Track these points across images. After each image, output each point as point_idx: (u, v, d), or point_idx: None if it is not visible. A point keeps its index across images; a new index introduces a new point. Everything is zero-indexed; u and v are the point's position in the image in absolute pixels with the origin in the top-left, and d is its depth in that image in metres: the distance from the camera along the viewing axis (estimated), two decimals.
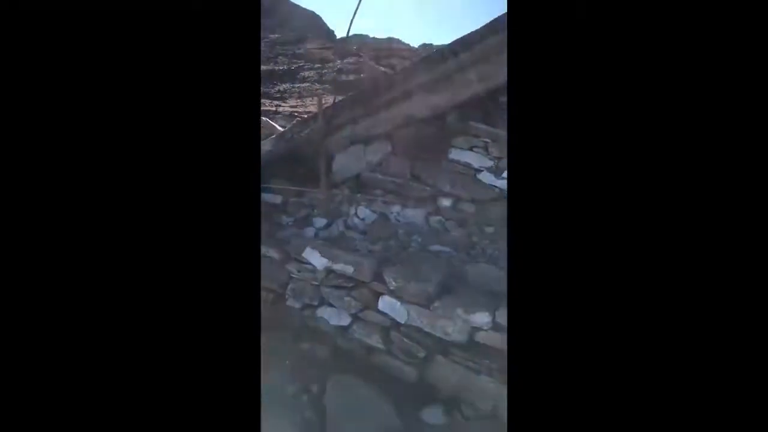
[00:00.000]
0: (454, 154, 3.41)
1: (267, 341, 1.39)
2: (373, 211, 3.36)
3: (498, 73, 3.07)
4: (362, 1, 2.72)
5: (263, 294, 2.75)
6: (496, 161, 3.31)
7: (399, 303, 2.26)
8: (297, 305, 2.61)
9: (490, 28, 2.80)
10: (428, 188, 3.48)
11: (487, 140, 3.32)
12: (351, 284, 2.44)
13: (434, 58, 3.21)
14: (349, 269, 2.41)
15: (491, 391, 2.05)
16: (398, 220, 3.33)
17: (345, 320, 2.47)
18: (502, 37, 2.79)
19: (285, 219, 3.40)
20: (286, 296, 2.65)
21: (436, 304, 2.16)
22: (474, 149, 3.36)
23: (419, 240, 3.14)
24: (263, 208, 3.37)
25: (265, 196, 3.58)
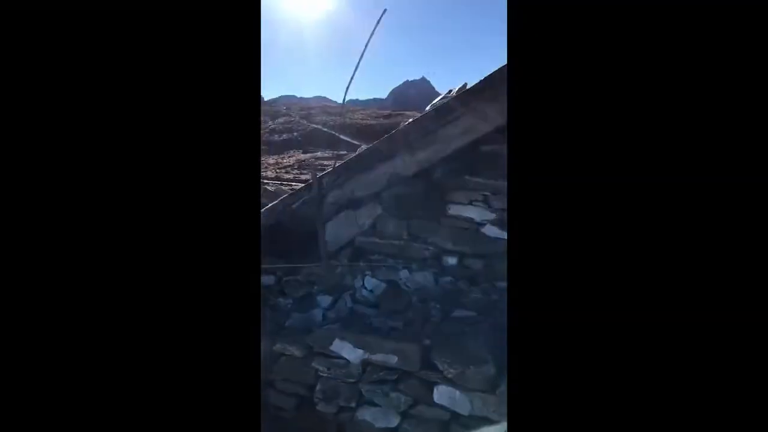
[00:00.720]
0: (454, 210, 3.29)
1: None
2: (381, 280, 3.11)
3: (479, 125, 3.07)
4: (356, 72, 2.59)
5: (284, 400, 2.37)
6: (498, 213, 3.23)
7: (458, 392, 2.01)
8: (331, 410, 2.26)
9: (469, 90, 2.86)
10: (430, 247, 3.32)
11: (486, 193, 3.25)
12: (395, 376, 2.15)
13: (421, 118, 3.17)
14: (393, 359, 2.13)
15: None
16: (408, 287, 3.11)
17: (393, 420, 2.16)
18: (488, 93, 2.82)
19: (283, 302, 3.05)
20: (315, 400, 2.29)
21: (502, 387, 1.94)
22: (474, 203, 3.27)
23: (438, 307, 2.93)
24: None
25: None
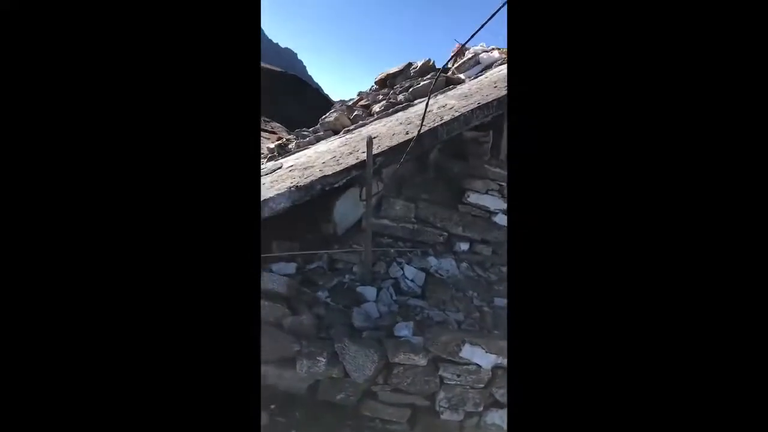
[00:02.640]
0: (473, 198, 3.33)
1: None
2: (416, 268, 2.99)
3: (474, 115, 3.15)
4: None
5: (396, 412, 2.09)
6: None
7: None
8: (456, 417, 2.10)
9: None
10: (444, 233, 3.30)
11: (502, 183, 3.38)
12: None
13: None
14: None
15: None
16: (440, 274, 3.08)
17: None
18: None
19: (321, 295, 2.65)
20: (439, 409, 2.09)
21: None
22: (489, 192, 3.37)
23: (476, 295, 3.01)
24: (277, 284, 2.53)
25: (276, 268, 2.69)
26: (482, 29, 2.02)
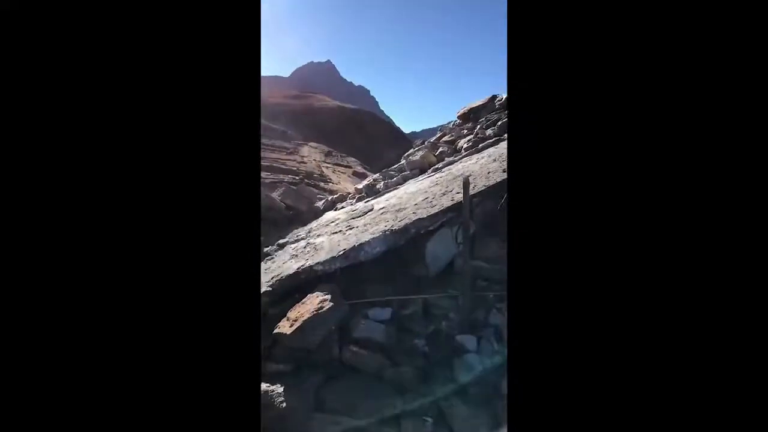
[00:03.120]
0: None
1: None
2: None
3: None
4: None
5: None
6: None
7: None
8: None
9: None
10: None
11: None
12: None
13: None
14: None
15: None
16: None
17: None
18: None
19: (418, 343, 2.51)
20: None
21: None
22: None
23: None
24: (375, 331, 2.42)
25: (371, 314, 2.61)
26: None
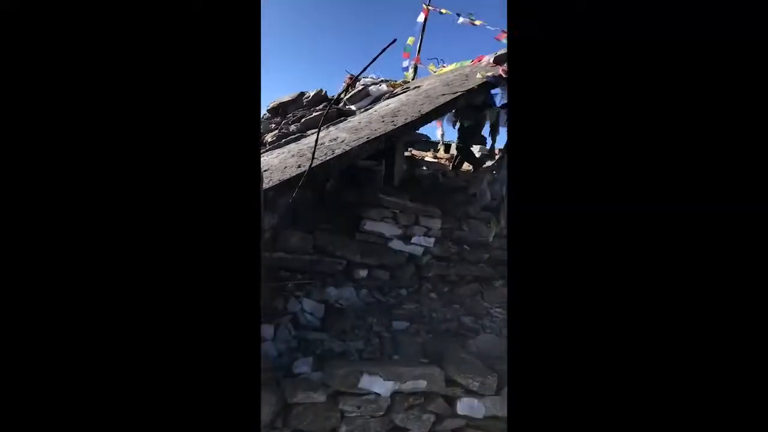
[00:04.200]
0: (369, 225, 3.44)
1: None
2: (316, 301, 3.00)
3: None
4: None
5: None
6: (404, 229, 3.59)
7: (476, 400, 2.33)
8: None
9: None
10: (343, 261, 3.35)
11: (396, 210, 3.54)
12: (422, 399, 2.26)
13: None
14: (422, 384, 2.23)
15: None
16: (341, 304, 3.13)
17: None
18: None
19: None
20: None
21: (506, 389, 2.39)
22: (384, 219, 3.51)
23: (375, 321, 3.11)
24: None
25: None
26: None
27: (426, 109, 3.19)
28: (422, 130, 5.83)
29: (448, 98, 3.29)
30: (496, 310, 3.51)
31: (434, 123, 5.28)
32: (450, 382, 2.30)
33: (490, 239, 3.89)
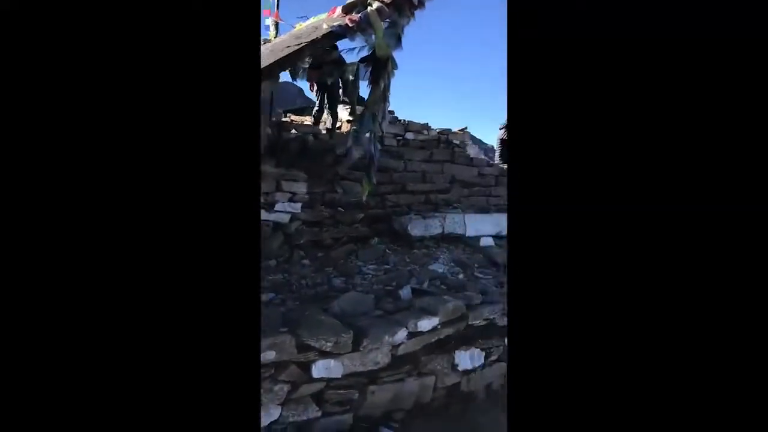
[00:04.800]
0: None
1: None
2: None
3: None
4: None
5: None
6: (264, 196, 3.37)
7: (333, 361, 2.26)
8: None
9: None
10: None
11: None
12: (272, 370, 2.13)
13: None
14: (270, 354, 2.10)
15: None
16: None
17: (274, 414, 2.13)
18: None
19: None
20: None
21: (365, 342, 2.34)
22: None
23: None
24: None
25: None
26: None
27: (266, 63, 2.94)
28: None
29: (292, 50, 3.06)
30: (369, 267, 3.47)
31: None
32: (303, 347, 2.18)
33: (364, 198, 3.81)
